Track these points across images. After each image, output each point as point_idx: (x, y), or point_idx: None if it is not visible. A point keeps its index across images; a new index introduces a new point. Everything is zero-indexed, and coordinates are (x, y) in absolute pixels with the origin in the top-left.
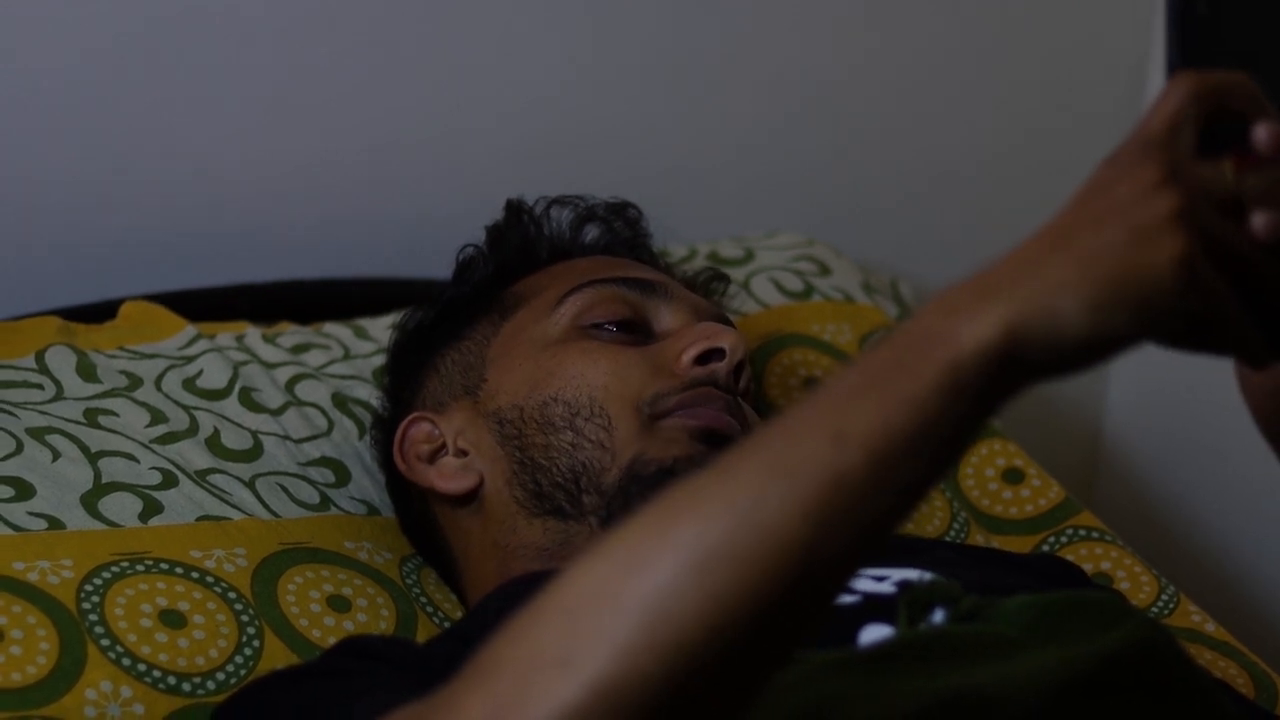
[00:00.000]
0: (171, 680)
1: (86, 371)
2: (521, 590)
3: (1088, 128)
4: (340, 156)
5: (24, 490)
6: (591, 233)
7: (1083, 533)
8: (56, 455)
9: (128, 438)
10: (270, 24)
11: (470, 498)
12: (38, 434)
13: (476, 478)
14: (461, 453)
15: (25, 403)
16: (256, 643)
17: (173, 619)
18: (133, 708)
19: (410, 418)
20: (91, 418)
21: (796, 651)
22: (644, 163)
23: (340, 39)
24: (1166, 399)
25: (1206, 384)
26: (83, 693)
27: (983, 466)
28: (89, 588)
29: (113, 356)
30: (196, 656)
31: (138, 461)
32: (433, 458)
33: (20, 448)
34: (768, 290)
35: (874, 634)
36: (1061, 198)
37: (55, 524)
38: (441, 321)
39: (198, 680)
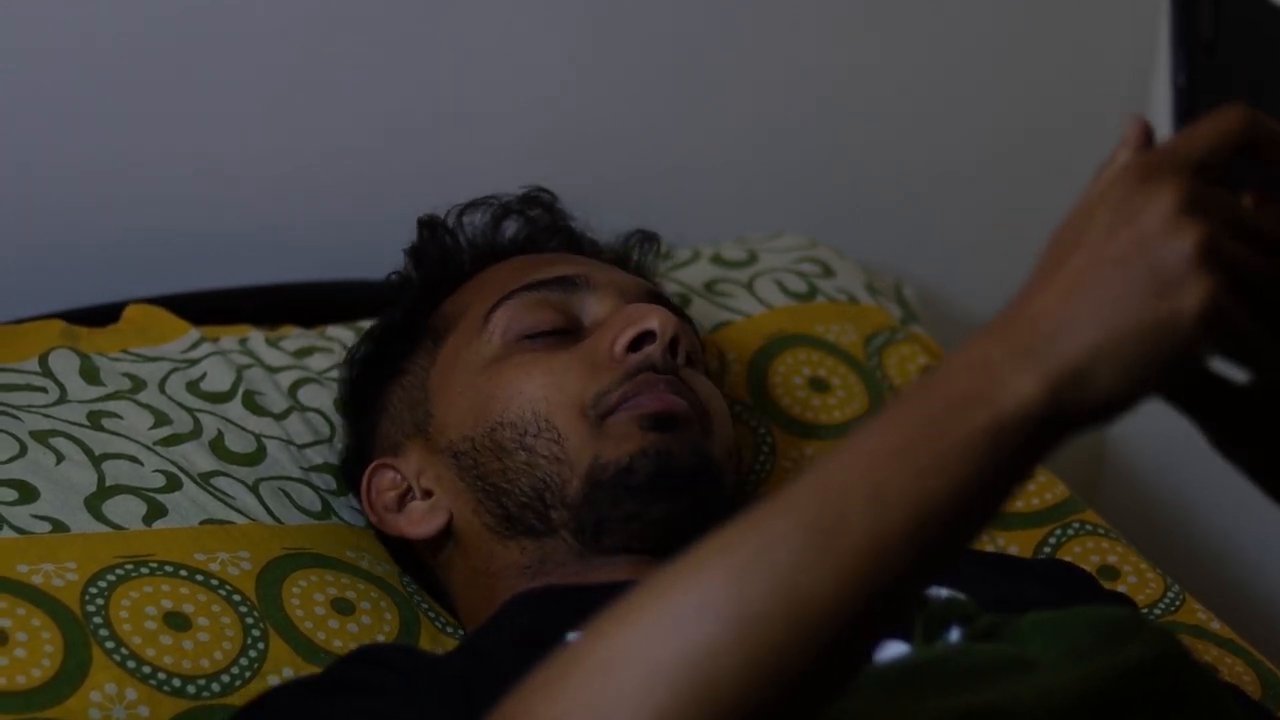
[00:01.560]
0: (176, 683)
1: (90, 374)
2: (525, 608)
3: (1091, 130)
4: (345, 158)
5: (28, 493)
6: (510, 229)
7: (1089, 528)
8: (60, 458)
9: (131, 440)
10: (272, 25)
11: (444, 535)
12: (41, 437)
13: (445, 515)
14: (426, 493)
15: (29, 405)
16: (261, 645)
17: (177, 621)
18: (138, 710)
19: (371, 468)
20: (95, 420)
21: None
22: (646, 163)
23: (344, 40)
24: None
25: None
26: (87, 695)
27: None
28: (93, 590)
29: (116, 359)
30: (201, 659)
31: (141, 464)
32: (401, 503)
33: (24, 450)
34: (771, 291)
35: (890, 650)
36: (1064, 200)
37: (59, 527)
38: (382, 355)
39: (202, 682)
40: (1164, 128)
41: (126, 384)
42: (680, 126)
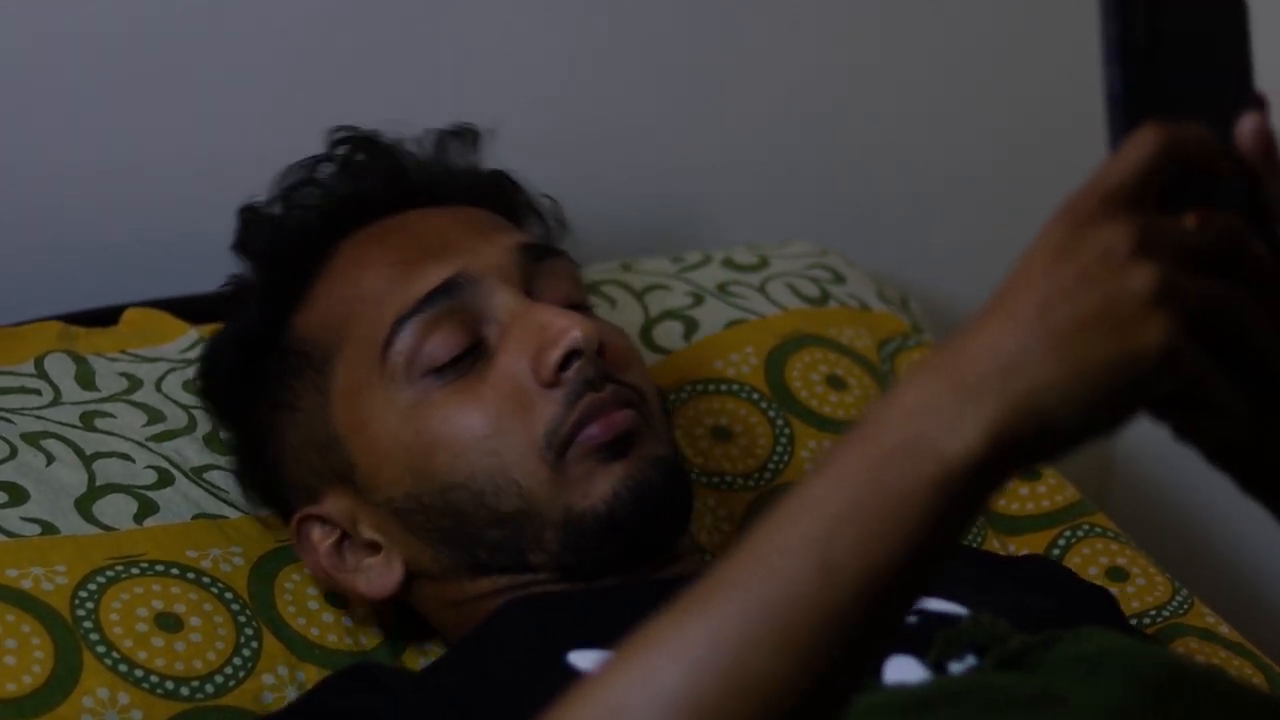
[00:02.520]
0: (169, 685)
1: (85, 379)
2: (519, 619)
3: (1101, 138)
4: None
5: (17, 495)
6: (338, 187)
7: (1098, 530)
8: (51, 459)
9: (124, 438)
10: (277, 26)
11: (407, 581)
12: (32, 439)
13: (400, 567)
14: (370, 545)
15: (22, 408)
16: (255, 643)
17: (169, 622)
18: (131, 714)
19: (296, 522)
20: (88, 421)
21: None
22: (653, 168)
23: (349, 40)
24: None
25: None
26: (79, 701)
27: None
28: (83, 594)
29: (114, 359)
30: (194, 660)
31: (133, 461)
32: (340, 551)
33: (14, 453)
34: (784, 294)
35: (899, 666)
36: None
37: (49, 529)
38: (249, 375)
39: (196, 684)
40: None
41: (123, 384)
42: (687, 131)
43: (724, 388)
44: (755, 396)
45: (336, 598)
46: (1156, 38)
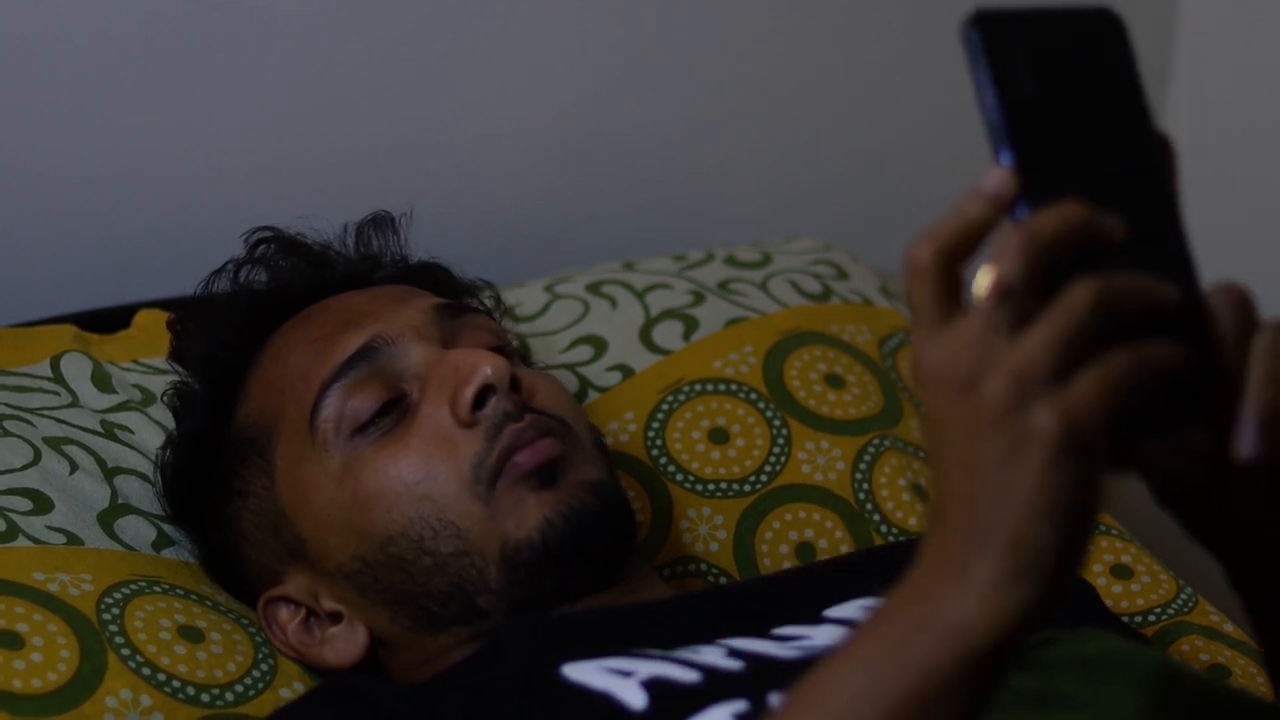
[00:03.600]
0: (191, 690)
1: (102, 382)
2: (517, 640)
3: None
4: (360, 160)
5: (42, 504)
6: (264, 290)
7: (1102, 528)
8: (74, 468)
9: (144, 455)
10: (289, 28)
11: (374, 646)
12: (55, 444)
13: (364, 633)
14: (334, 615)
15: (41, 409)
16: (271, 660)
17: (191, 634)
18: (153, 717)
19: (263, 604)
20: (109, 430)
21: None
22: (662, 167)
23: (361, 41)
24: None
25: None
26: (103, 700)
27: None
28: (108, 600)
29: (127, 369)
30: (215, 669)
31: (151, 484)
32: (308, 627)
33: (38, 457)
34: (786, 291)
35: None
36: None
37: (74, 540)
38: (201, 470)
39: (216, 691)
40: (1181, 134)
41: (137, 395)
42: (695, 132)
43: (721, 388)
44: (753, 397)
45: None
46: (1046, 87)
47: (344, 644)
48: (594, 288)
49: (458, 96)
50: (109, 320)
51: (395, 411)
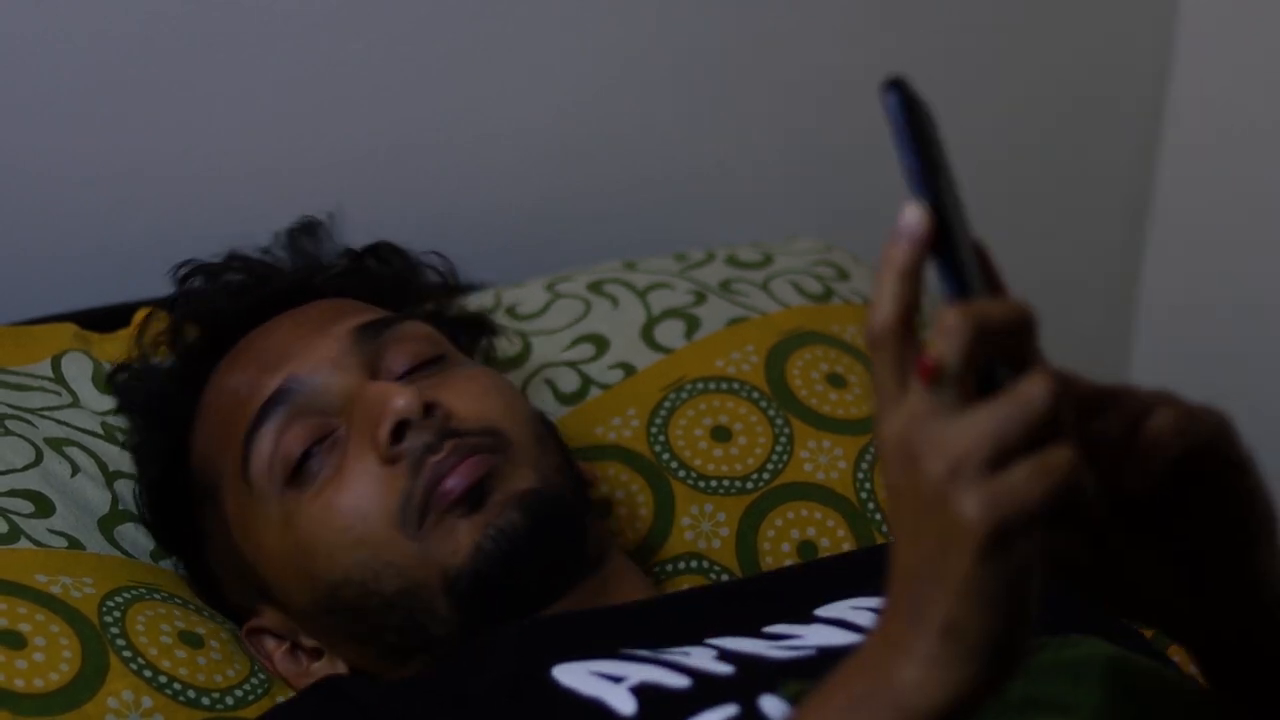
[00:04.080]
0: (191, 694)
1: (102, 382)
2: (504, 646)
3: (1107, 135)
4: (361, 160)
5: (44, 507)
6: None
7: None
8: (75, 470)
9: None
10: (289, 28)
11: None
12: (56, 445)
13: (345, 666)
14: (314, 651)
15: (42, 409)
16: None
17: (191, 639)
18: (153, 718)
19: (245, 635)
20: (109, 432)
21: None
22: (662, 167)
23: (360, 41)
24: None
25: (1225, 393)
26: (104, 701)
27: None
28: (110, 604)
29: None
30: (215, 674)
31: None
32: (294, 655)
33: (40, 458)
34: (787, 292)
35: None
36: (1079, 203)
37: (75, 544)
38: (167, 514)
39: (217, 695)
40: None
41: None
42: (695, 131)
43: (724, 386)
44: (755, 395)
45: None
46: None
47: (326, 675)
48: (595, 287)
49: (458, 96)
50: (109, 319)
51: (324, 448)
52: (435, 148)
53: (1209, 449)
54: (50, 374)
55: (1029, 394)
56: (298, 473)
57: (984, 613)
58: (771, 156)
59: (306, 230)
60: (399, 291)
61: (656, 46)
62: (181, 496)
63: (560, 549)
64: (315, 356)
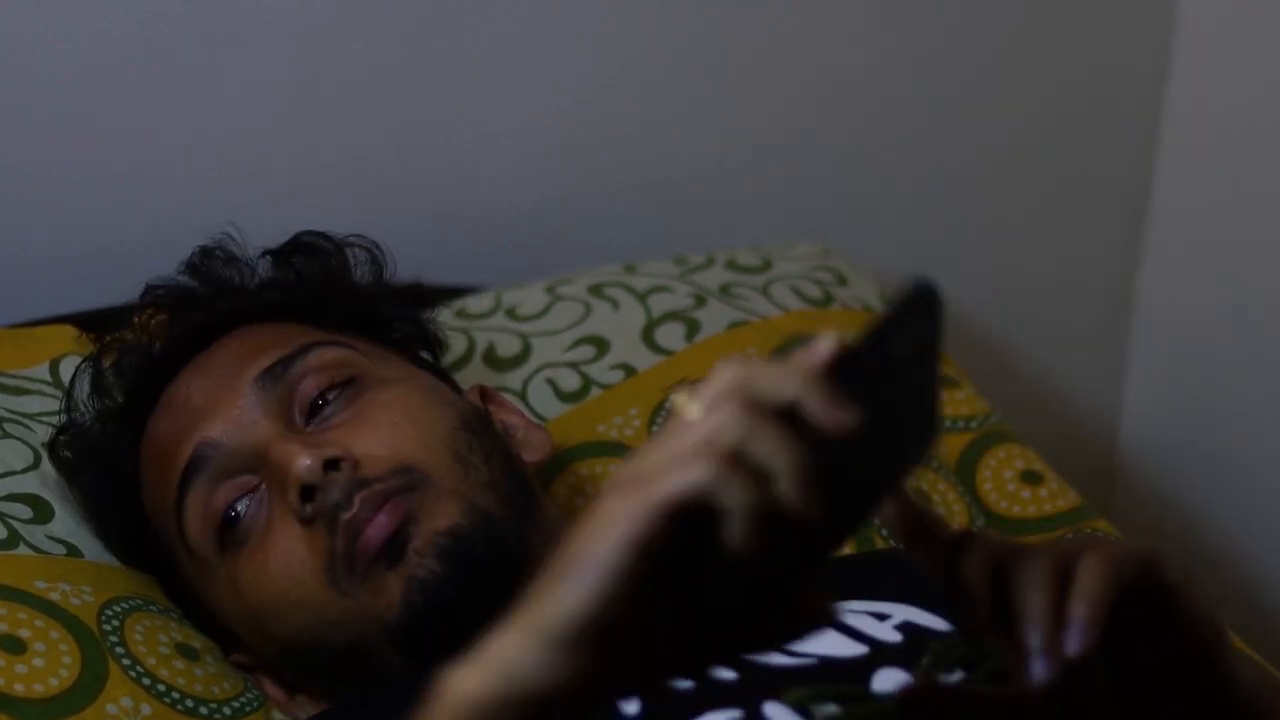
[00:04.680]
0: (189, 703)
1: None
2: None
3: (1106, 138)
4: (361, 160)
5: (42, 512)
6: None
7: (1100, 535)
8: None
9: None
10: (289, 28)
11: None
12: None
13: (325, 699)
14: (294, 687)
15: (40, 414)
16: None
17: (187, 651)
18: None
19: (233, 665)
20: None
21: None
22: (658, 169)
23: (360, 42)
24: (1183, 410)
25: (1225, 394)
26: (104, 707)
27: (1001, 469)
28: (109, 612)
29: None
30: (212, 686)
31: None
32: (279, 684)
33: (37, 461)
34: (787, 296)
35: (888, 678)
36: (1077, 203)
37: (74, 551)
38: (153, 565)
39: (214, 705)
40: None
41: None
42: (694, 133)
43: None
44: None
45: None
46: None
47: (313, 709)
48: (595, 289)
49: (458, 97)
50: (109, 321)
51: (253, 502)
52: (435, 148)
53: (1140, 585)
54: (49, 378)
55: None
56: (230, 535)
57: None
58: (771, 158)
59: (206, 256)
60: (320, 296)
61: (656, 47)
62: (146, 552)
63: (493, 578)
64: (222, 416)
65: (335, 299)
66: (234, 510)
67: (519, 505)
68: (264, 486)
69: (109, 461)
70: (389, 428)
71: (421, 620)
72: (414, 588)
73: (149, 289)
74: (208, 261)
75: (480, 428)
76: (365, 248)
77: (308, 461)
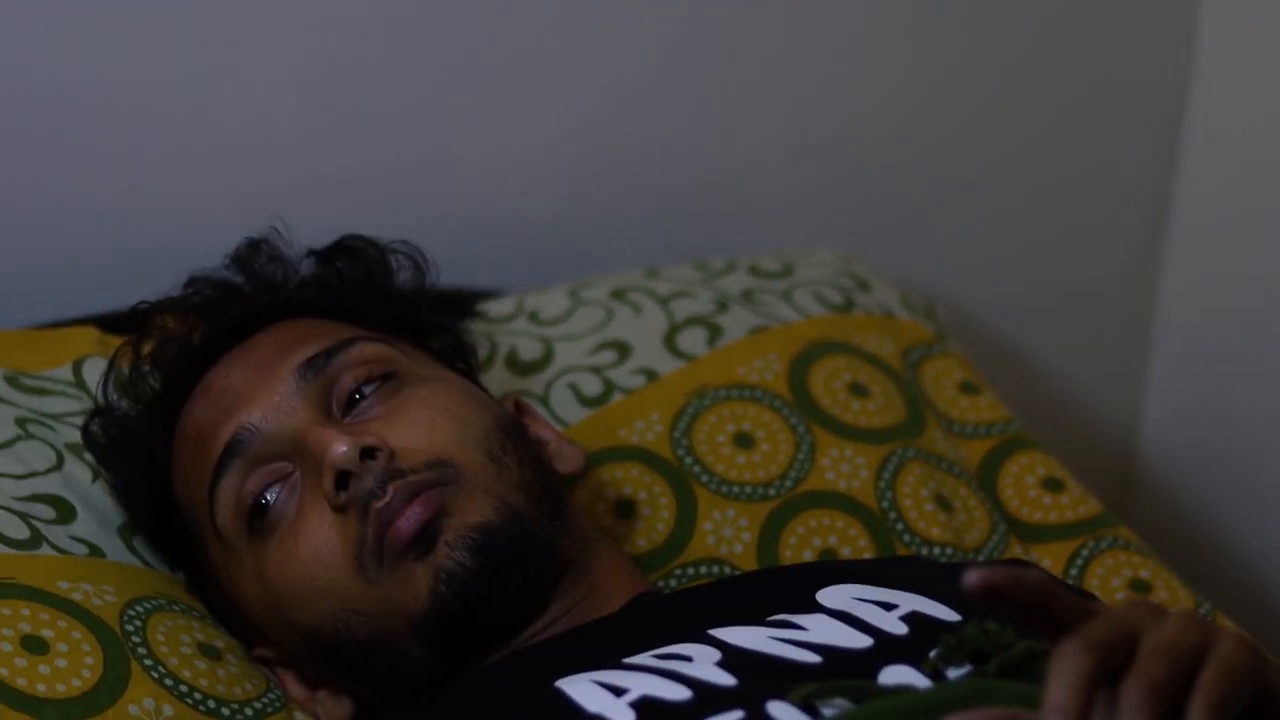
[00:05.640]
0: (211, 704)
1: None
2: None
3: (1126, 146)
4: (385, 169)
5: (65, 512)
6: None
7: (1121, 542)
8: (96, 475)
9: None
10: (312, 39)
11: (361, 709)
12: (77, 450)
13: (349, 698)
14: (318, 681)
15: (64, 414)
16: None
17: (210, 651)
18: None
19: (255, 661)
20: None
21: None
22: (683, 175)
23: (385, 51)
24: (1203, 416)
25: (1246, 400)
26: (126, 708)
27: (1022, 475)
28: (131, 613)
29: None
30: (234, 686)
31: None
32: (301, 680)
33: (60, 462)
34: (809, 302)
35: (895, 673)
36: (1099, 212)
37: (96, 551)
38: (176, 556)
39: (236, 706)
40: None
41: None
42: (716, 140)
43: (746, 394)
44: (777, 403)
45: None
46: None
47: (332, 707)
48: (618, 294)
49: (483, 105)
50: (132, 321)
51: (284, 491)
52: (462, 156)
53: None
54: (71, 379)
55: None
56: (260, 521)
57: None
58: (793, 164)
59: (252, 249)
60: (363, 296)
61: (679, 56)
62: (175, 537)
63: (521, 577)
64: (263, 401)
65: (375, 301)
66: (265, 497)
67: (549, 509)
68: (297, 474)
69: (142, 445)
70: (425, 423)
71: (447, 613)
72: (441, 579)
73: (192, 280)
74: (253, 255)
75: (514, 432)
76: (408, 254)
77: (345, 448)
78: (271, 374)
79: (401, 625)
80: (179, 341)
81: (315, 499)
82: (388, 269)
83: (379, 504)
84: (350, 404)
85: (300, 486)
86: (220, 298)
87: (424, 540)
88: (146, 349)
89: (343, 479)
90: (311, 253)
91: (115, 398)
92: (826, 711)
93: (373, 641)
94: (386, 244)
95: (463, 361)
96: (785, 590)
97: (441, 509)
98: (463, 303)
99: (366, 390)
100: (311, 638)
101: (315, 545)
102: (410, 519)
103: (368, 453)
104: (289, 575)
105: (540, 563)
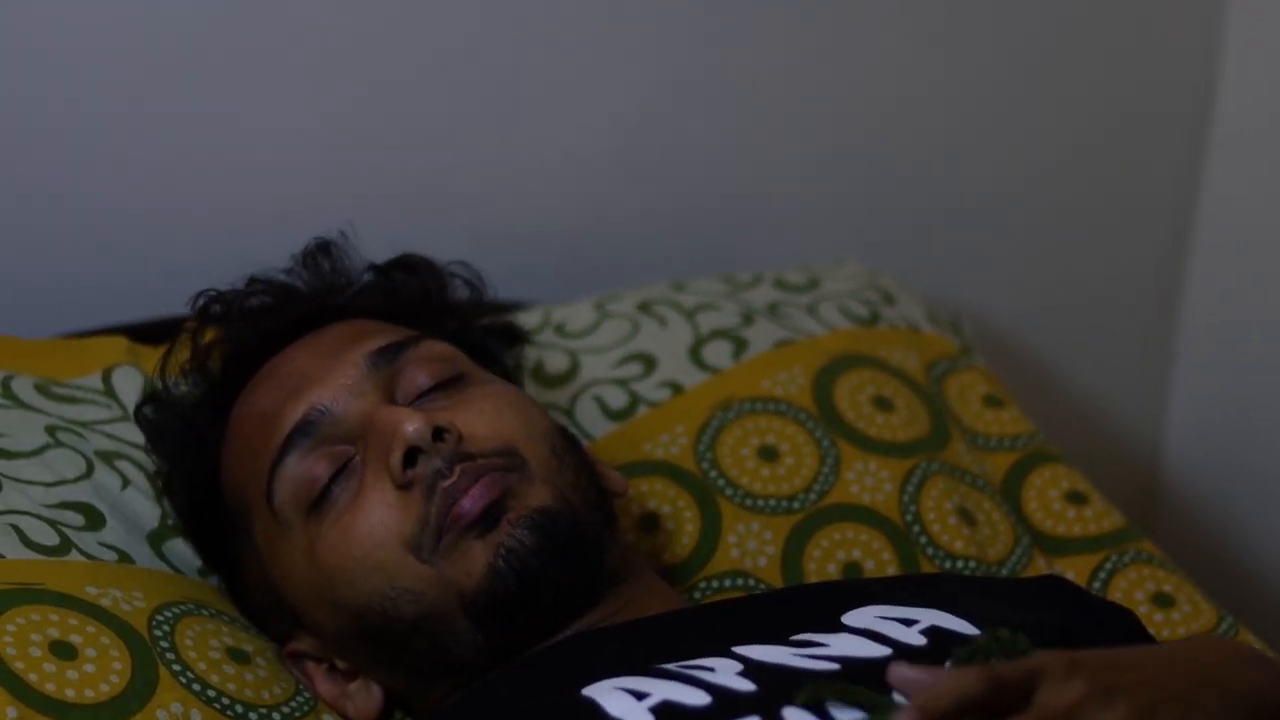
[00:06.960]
0: (239, 709)
1: None
2: (521, 664)
3: (1150, 158)
4: (415, 179)
5: (94, 520)
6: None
7: (1144, 556)
8: (126, 483)
9: None
10: (340, 52)
11: (392, 700)
12: (107, 458)
13: (380, 689)
14: (350, 672)
15: (93, 422)
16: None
17: (238, 655)
18: None
19: (286, 657)
20: None
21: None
22: (710, 189)
23: (412, 64)
24: (1226, 428)
25: (1269, 412)
26: (154, 713)
27: (1046, 489)
28: (159, 618)
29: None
30: (262, 691)
31: None
32: (333, 677)
33: (90, 470)
34: (834, 315)
35: None
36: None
37: (125, 558)
38: (211, 545)
39: (264, 711)
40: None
41: None
42: (742, 154)
43: (771, 407)
44: (802, 416)
45: None
46: None
47: (362, 702)
48: (644, 307)
49: (511, 119)
50: (160, 331)
51: (345, 475)
52: (488, 171)
53: None
54: (101, 387)
55: None
56: (319, 501)
57: None
58: (819, 178)
59: (322, 250)
60: (421, 307)
61: (705, 70)
62: (214, 524)
63: (574, 565)
64: (334, 384)
65: (432, 312)
66: (333, 476)
67: (601, 516)
68: (358, 459)
69: (194, 427)
70: (494, 413)
71: (502, 590)
72: (501, 554)
73: (252, 280)
74: (320, 255)
75: (571, 439)
76: (466, 277)
77: (417, 424)
78: (342, 359)
79: (453, 603)
80: (242, 329)
81: (377, 479)
82: (443, 287)
83: (445, 483)
84: (417, 399)
85: (360, 470)
86: (281, 297)
87: (488, 519)
88: (207, 337)
89: (411, 456)
90: (372, 267)
91: (173, 381)
92: (837, 715)
93: (420, 621)
94: (446, 264)
95: (514, 381)
96: (811, 612)
97: (508, 491)
98: (516, 330)
99: (433, 388)
100: (358, 617)
101: (373, 522)
102: (475, 498)
103: (438, 434)
104: (342, 551)
105: (593, 557)
